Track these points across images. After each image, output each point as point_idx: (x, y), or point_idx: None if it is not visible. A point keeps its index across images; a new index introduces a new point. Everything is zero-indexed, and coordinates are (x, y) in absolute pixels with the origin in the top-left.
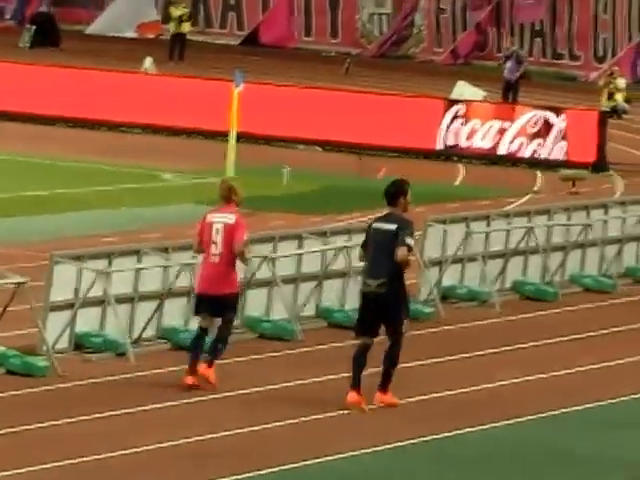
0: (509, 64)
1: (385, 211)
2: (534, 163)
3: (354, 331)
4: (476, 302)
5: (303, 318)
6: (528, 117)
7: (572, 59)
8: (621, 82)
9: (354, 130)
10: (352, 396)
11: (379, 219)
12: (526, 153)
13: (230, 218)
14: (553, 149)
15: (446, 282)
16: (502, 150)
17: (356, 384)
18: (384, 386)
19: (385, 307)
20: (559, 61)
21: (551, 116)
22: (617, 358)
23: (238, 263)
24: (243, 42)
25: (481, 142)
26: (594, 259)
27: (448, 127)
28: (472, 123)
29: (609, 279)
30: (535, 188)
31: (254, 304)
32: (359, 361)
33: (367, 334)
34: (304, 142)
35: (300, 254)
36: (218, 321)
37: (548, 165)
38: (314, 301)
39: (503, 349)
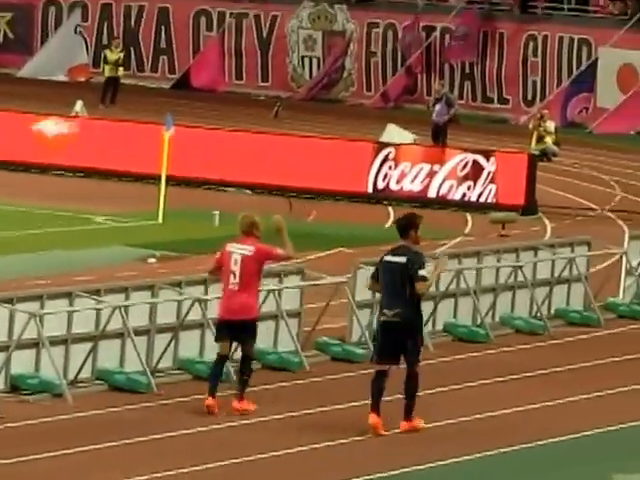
0: (438, 107)
1: (397, 244)
2: (464, 206)
3: (375, 358)
4: None
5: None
6: (457, 160)
7: (501, 102)
8: (551, 125)
9: (284, 173)
10: (372, 418)
11: (390, 252)
12: (456, 196)
13: (249, 250)
14: (483, 192)
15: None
16: (432, 193)
17: (375, 407)
18: (409, 413)
19: (402, 336)
20: (488, 104)
21: (480, 159)
22: (554, 399)
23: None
24: (174, 85)
25: (411, 185)
26: (524, 301)
27: (378, 170)
28: (402, 166)
29: (539, 321)
30: (465, 231)
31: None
32: (378, 387)
33: (385, 361)
34: (234, 185)
35: None
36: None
37: (478, 208)
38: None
39: (438, 390)
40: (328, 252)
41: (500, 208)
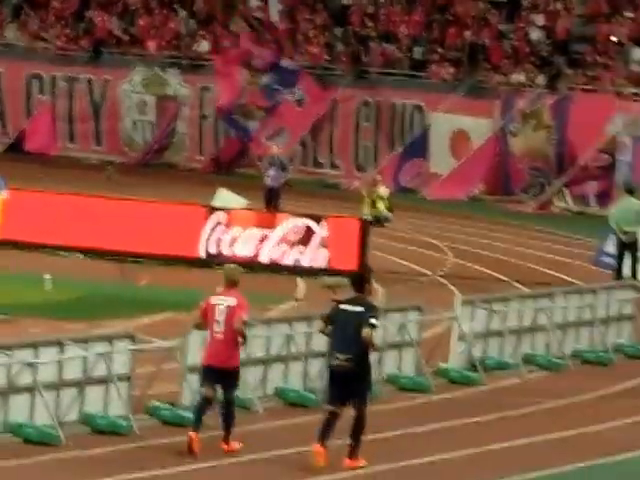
0: (272, 172)
1: (353, 295)
2: (296, 271)
3: (325, 400)
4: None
5: (66, 423)
6: (289, 225)
7: (333, 168)
8: (383, 191)
9: (116, 237)
10: (317, 447)
11: (346, 302)
12: (288, 261)
13: (232, 301)
14: (314, 257)
15: None
16: (264, 258)
17: (322, 439)
18: (353, 453)
19: (352, 380)
20: (320, 170)
21: (312, 224)
22: (381, 463)
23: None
24: (8, 149)
25: (243, 250)
26: None
27: (210, 235)
28: (234, 231)
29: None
30: (297, 295)
31: (16, 409)
32: (328, 424)
33: (336, 404)
34: (66, 249)
35: (61, 360)
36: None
37: (309, 273)
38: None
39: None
40: (160, 317)
41: (332, 273)
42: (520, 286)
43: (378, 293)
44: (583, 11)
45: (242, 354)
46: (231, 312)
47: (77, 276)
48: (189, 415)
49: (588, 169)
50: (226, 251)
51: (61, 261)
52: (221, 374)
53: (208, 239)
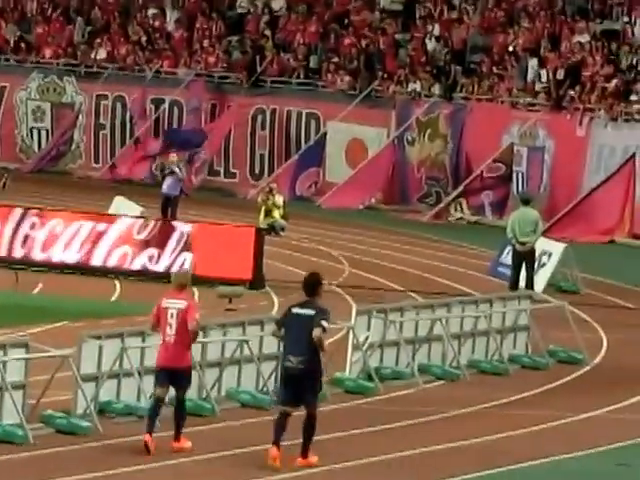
0: (169, 180)
1: (305, 299)
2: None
3: (277, 400)
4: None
5: None
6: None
7: (228, 176)
8: (279, 199)
9: (8, 245)
10: (273, 450)
11: (298, 305)
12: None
13: (182, 304)
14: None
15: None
16: (160, 267)
17: (277, 442)
18: (305, 451)
19: (304, 380)
20: (216, 178)
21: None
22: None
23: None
24: None
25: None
26: (252, 375)
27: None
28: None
29: (266, 395)
30: None
31: None
32: (281, 425)
33: (288, 404)
34: None
35: None
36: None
37: (205, 282)
38: None
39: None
40: (54, 325)
41: (227, 282)
42: (416, 296)
43: (274, 302)
44: (479, 21)
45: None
46: (182, 315)
47: None
48: (85, 424)
49: (484, 179)
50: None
51: None
52: (174, 375)
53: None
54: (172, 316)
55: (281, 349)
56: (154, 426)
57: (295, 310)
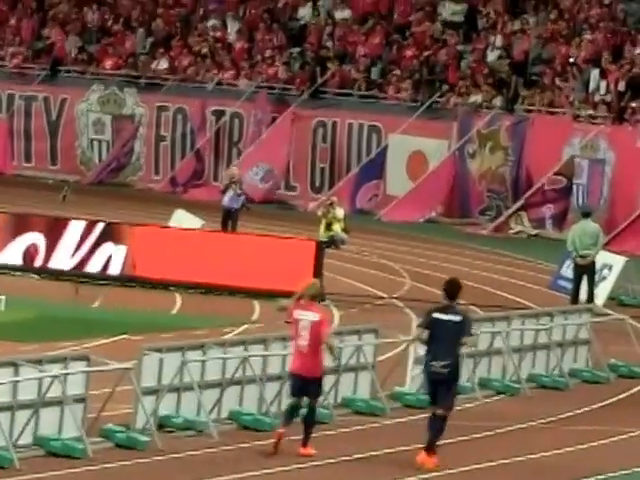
0: (230, 193)
1: (445, 303)
2: (251, 293)
3: (429, 402)
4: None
5: (20, 446)
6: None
7: (289, 189)
8: (339, 212)
9: (70, 258)
10: (422, 456)
11: (441, 310)
12: (244, 282)
13: (315, 316)
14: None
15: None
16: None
17: (430, 447)
18: (432, 449)
19: (445, 383)
20: (277, 191)
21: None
22: None
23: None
24: None
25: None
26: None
27: None
28: None
29: (326, 409)
30: (252, 318)
31: None
32: (432, 426)
33: (435, 405)
34: (20, 269)
35: (16, 381)
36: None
37: (265, 295)
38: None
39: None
40: (114, 338)
41: (288, 295)
42: (476, 309)
43: (334, 316)
44: (541, 33)
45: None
46: (315, 327)
47: (31, 297)
48: (144, 438)
49: (545, 192)
50: None
51: (15, 281)
52: (306, 383)
53: None
54: (304, 328)
55: (420, 352)
56: (289, 425)
57: (437, 315)
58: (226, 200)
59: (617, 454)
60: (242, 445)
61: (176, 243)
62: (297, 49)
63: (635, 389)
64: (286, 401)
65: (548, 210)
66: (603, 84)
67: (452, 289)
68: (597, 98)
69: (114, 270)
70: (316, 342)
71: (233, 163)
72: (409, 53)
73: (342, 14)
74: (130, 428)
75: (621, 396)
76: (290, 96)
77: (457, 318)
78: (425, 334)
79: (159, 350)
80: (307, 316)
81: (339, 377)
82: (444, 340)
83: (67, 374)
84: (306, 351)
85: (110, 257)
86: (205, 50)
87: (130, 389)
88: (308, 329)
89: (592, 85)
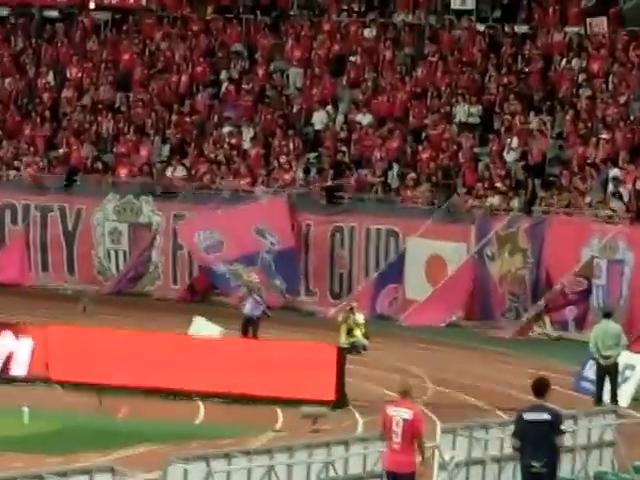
0: (250, 300)
1: (535, 403)
2: (274, 401)
3: None
4: None
5: None
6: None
7: (308, 295)
8: (360, 318)
9: (94, 369)
10: None
11: (530, 410)
12: (265, 391)
13: (408, 413)
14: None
15: None
16: (240, 388)
17: None
18: None
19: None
20: (296, 297)
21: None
22: None
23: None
24: None
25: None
26: None
27: None
28: None
29: None
30: (276, 426)
31: None
32: None
33: None
34: (44, 381)
35: None
36: None
37: (288, 402)
38: None
39: None
40: (139, 449)
41: (310, 402)
42: (501, 413)
43: (358, 422)
44: (558, 133)
45: None
46: (408, 425)
47: (54, 408)
48: None
49: (567, 295)
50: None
51: (38, 392)
52: (399, 479)
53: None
54: (398, 424)
55: (511, 452)
56: None
57: (529, 416)
58: (247, 308)
59: None
60: None
61: (194, 351)
62: (313, 154)
63: None
64: None
65: (570, 312)
66: (622, 184)
67: (539, 386)
68: (616, 198)
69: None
70: (409, 439)
71: (249, 269)
72: (425, 156)
73: (358, 118)
74: None
75: None
76: (307, 202)
77: (547, 417)
78: (518, 443)
79: (185, 459)
80: (400, 412)
81: None
82: (539, 440)
83: None
84: (399, 448)
85: None
86: (220, 157)
87: None
88: (402, 426)
89: (610, 185)
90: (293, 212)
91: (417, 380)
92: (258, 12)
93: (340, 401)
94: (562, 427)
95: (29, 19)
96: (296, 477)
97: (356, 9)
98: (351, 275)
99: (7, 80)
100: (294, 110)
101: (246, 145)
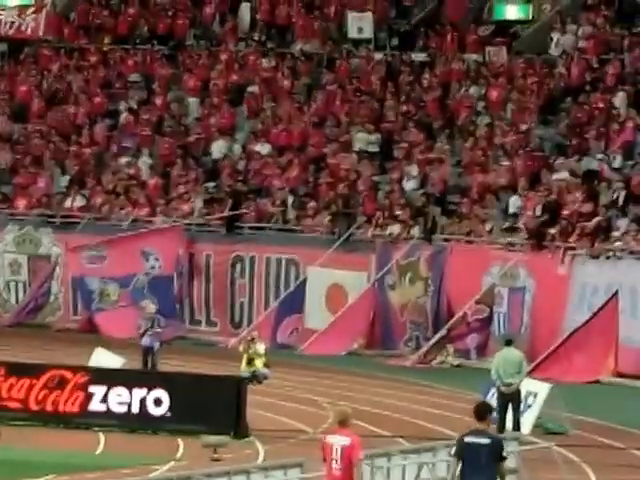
0: (149, 332)
1: (475, 427)
2: (174, 430)
3: None
4: None
5: None
6: None
7: (209, 325)
8: (261, 347)
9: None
10: None
11: (471, 434)
12: (167, 421)
13: (345, 440)
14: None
15: None
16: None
17: None
18: None
19: None
20: (197, 327)
21: None
22: None
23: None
24: None
25: (118, 407)
26: None
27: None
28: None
29: None
30: (177, 455)
31: None
32: None
33: None
34: None
35: None
36: None
37: (189, 432)
38: None
39: None
40: None
41: (211, 432)
42: (403, 441)
43: (259, 451)
44: (457, 160)
45: None
46: (347, 452)
47: None
48: None
49: (470, 323)
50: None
51: None
52: None
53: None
54: (337, 452)
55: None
56: None
57: (469, 440)
58: (146, 340)
59: None
60: None
61: None
62: (212, 184)
63: None
64: None
65: (472, 340)
66: (522, 211)
67: (481, 411)
68: (515, 225)
69: None
70: (348, 466)
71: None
72: (325, 185)
73: (257, 147)
74: None
75: None
76: (206, 232)
77: (487, 441)
78: (457, 463)
79: None
80: (339, 440)
81: None
82: (478, 464)
83: None
84: (339, 474)
85: None
86: (119, 188)
87: None
88: (340, 453)
89: (510, 212)
90: (190, 243)
91: (318, 409)
92: (155, 42)
93: (241, 430)
94: (504, 454)
95: None
96: None
97: (255, 38)
98: (252, 305)
99: None
100: (192, 140)
101: (145, 175)
